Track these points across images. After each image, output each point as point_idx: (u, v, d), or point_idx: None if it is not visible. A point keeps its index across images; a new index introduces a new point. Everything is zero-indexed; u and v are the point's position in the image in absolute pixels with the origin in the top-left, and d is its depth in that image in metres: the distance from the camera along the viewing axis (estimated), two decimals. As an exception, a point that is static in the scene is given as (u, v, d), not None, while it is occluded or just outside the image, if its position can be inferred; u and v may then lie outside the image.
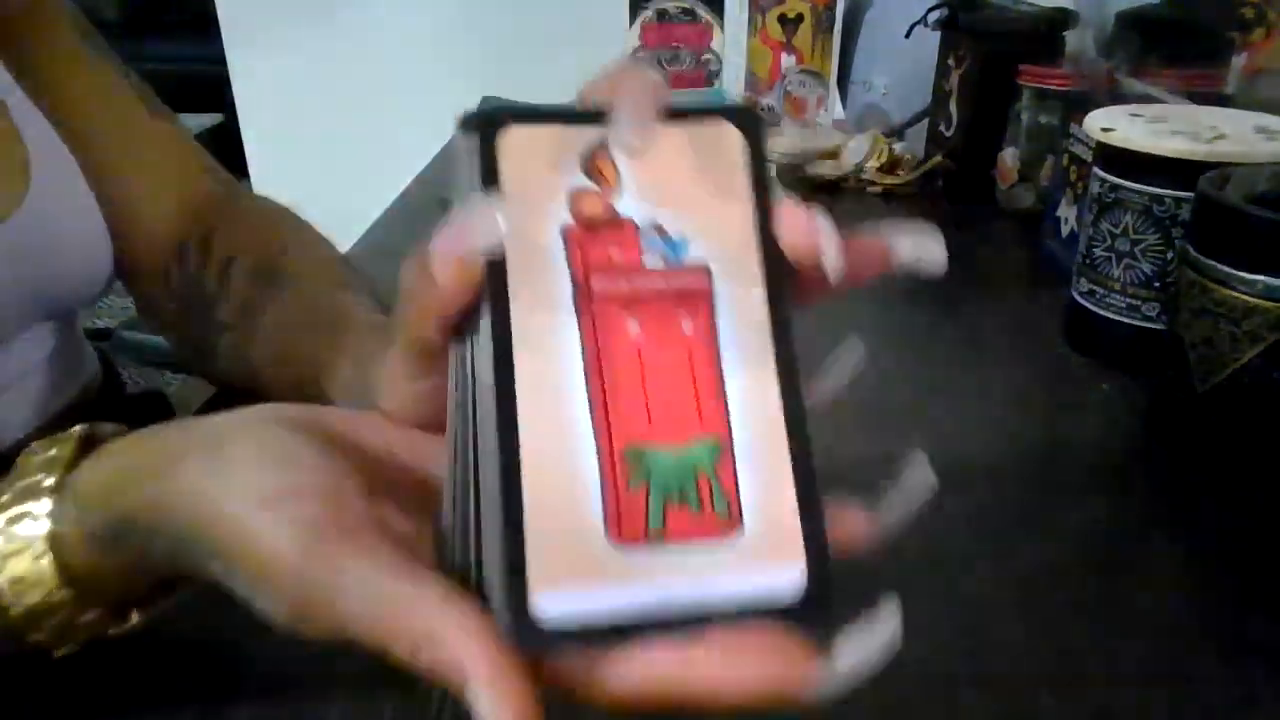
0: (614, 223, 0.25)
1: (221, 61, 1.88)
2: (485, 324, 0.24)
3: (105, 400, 0.60)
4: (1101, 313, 0.61)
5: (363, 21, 1.83)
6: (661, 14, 1.19)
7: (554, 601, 0.22)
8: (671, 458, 0.24)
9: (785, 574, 0.23)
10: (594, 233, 0.25)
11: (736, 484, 0.24)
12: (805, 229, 0.25)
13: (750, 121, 0.26)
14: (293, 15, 1.84)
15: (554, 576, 0.22)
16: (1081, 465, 0.51)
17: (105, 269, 0.54)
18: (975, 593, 0.41)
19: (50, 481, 0.29)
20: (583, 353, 0.24)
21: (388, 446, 0.28)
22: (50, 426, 0.53)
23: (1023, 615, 0.40)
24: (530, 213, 0.24)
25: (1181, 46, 0.77)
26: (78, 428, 0.30)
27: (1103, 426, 0.55)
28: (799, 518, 0.24)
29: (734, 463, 0.24)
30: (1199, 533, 0.46)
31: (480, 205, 0.23)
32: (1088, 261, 0.62)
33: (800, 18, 1.17)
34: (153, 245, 0.54)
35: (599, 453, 0.23)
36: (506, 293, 0.24)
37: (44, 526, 0.28)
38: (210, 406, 0.58)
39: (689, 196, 0.26)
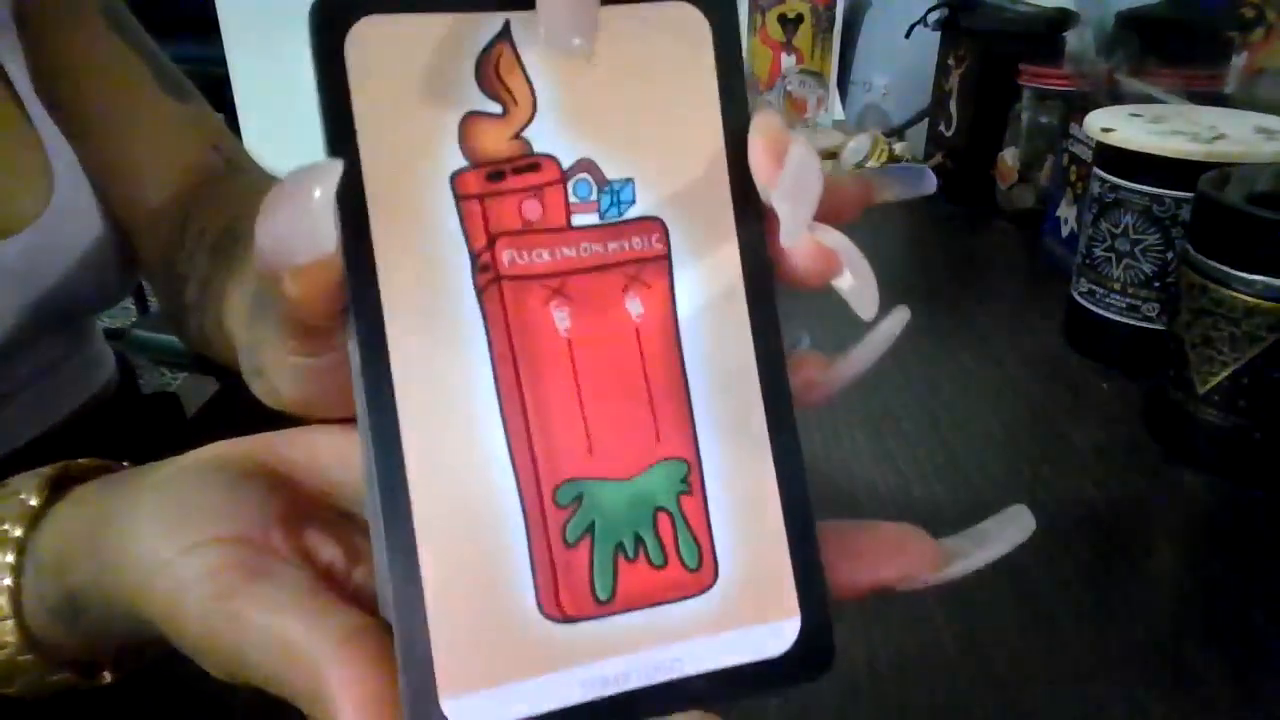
0: (527, 163, 0.17)
1: (221, 61, 1.88)
2: (350, 323, 0.17)
3: (121, 403, 0.60)
4: (1101, 313, 0.61)
5: (363, 21, 1.82)
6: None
7: (472, 708, 0.16)
8: (621, 495, 0.18)
9: (775, 634, 0.18)
10: (498, 180, 0.17)
11: (709, 522, 0.18)
12: (772, 159, 0.18)
13: (718, 1, 0.18)
14: (293, 15, 1.83)
15: (470, 674, 0.16)
16: (1081, 465, 0.51)
17: (116, 282, 0.54)
18: (973, 591, 0.41)
19: (18, 533, 0.27)
20: (490, 359, 0.17)
21: (325, 461, 0.24)
22: (64, 428, 0.53)
23: (1021, 614, 0.40)
24: (403, 154, 0.17)
25: (1181, 46, 0.77)
26: (49, 468, 0.28)
27: (1102, 427, 0.55)
28: (790, 560, 0.18)
29: (705, 493, 0.18)
30: (1198, 533, 0.46)
31: (314, 174, 0.15)
32: (1088, 261, 0.62)
33: (800, 18, 1.17)
34: (154, 229, 0.52)
35: (522, 497, 0.17)
36: (374, 277, 0.16)
37: (7, 581, 0.27)
38: (211, 406, 0.58)
39: (633, 118, 0.18)
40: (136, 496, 0.23)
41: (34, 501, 0.27)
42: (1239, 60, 0.79)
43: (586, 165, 0.18)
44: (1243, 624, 0.39)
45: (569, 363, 0.18)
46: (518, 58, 0.17)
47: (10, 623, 0.27)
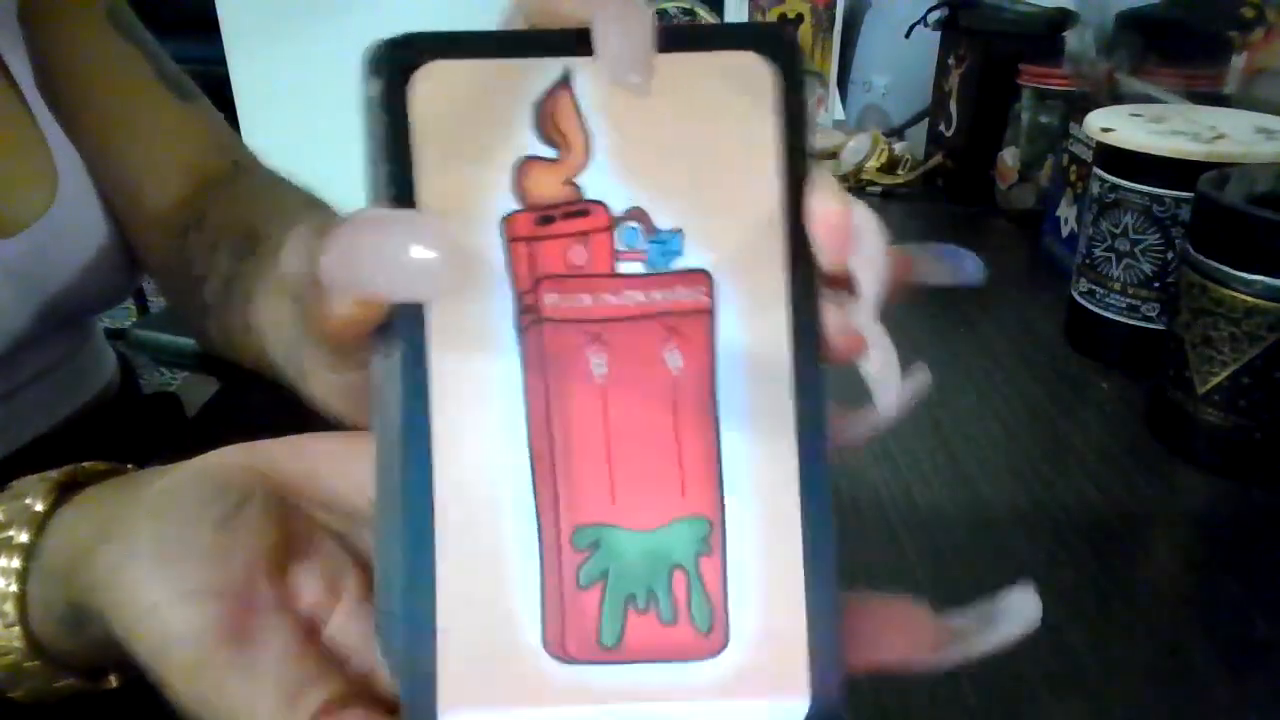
0: (577, 208, 0.18)
1: (221, 62, 1.88)
2: (395, 351, 0.18)
3: (121, 403, 0.60)
4: (1101, 313, 0.61)
5: (363, 22, 1.83)
6: (662, 14, 1.19)
7: None
8: (639, 547, 0.18)
9: (782, 712, 0.18)
10: (547, 224, 0.18)
11: (725, 586, 0.18)
12: (840, 231, 0.18)
13: (785, 53, 0.18)
14: (293, 15, 1.84)
15: (471, 693, 0.17)
16: (1081, 465, 0.51)
17: (118, 282, 0.54)
18: (974, 591, 0.41)
19: (24, 538, 0.27)
20: (525, 398, 0.18)
21: (324, 471, 0.24)
22: (66, 428, 0.53)
23: (1023, 615, 0.40)
24: (458, 194, 0.17)
25: (1181, 46, 0.77)
26: (57, 472, 0.28)
27: (1103, 426, 0.55)
28: (807, 636, 0.18)
29: (725, 556, 0.18)
30: (1199, 533, 0.46)
31: (408, 224, 0.17)
32: (1088, 261, 0.62)
33: (800, 18, 1.17)
34: (159, 229, 0.52)
35: (540, 536, 0.17)
36: (421, 310, 0.17)
37: (13, 587, 0.27)
38: (211, 406, 0.58)
39: (687, 168, 0.18)
40: (134, 520, 0.23)
41: (40, 506, 0.27)
42: (1239, 60, 0.78)
43: (637, 214, 0.18)
44: (1242, 624, 0.39)
45: (601, 408, 0.18)
46: (575, 104, 0.18)
47: (16, 629, 0.27)
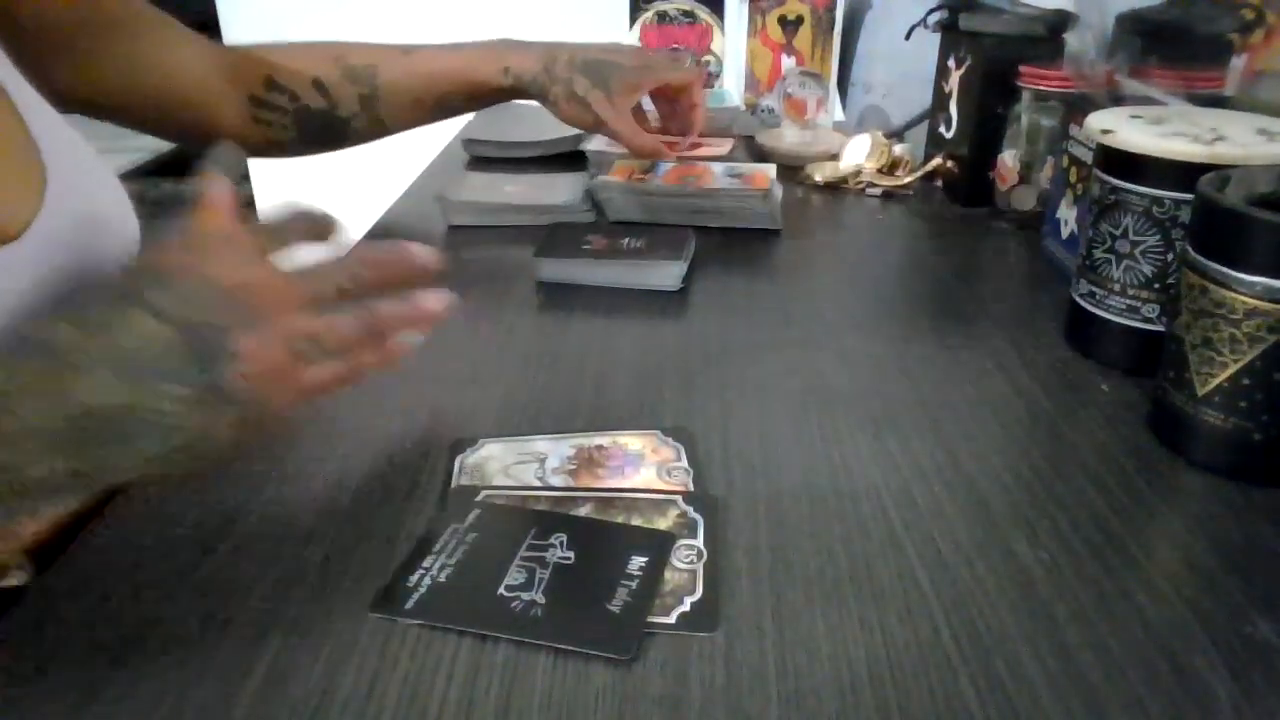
0: None
1: (222, 62, 1.88)
2: None
3: None
4: (1101, 314, 0.61)
5: (363, 23, 1.83)
6: (662, 15, 1.19)
7: None
8: None
9: None
10: None
11: None
12: None
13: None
14: (293, 16, 1.84)
15: None
16: (1081, 465, 0.51)
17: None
18: (974, 591, 0.41)
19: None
20: None
21: None
22: None
23: (1022, 614, 0.40)
24: None
25: (1181, 48, 0.77)
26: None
27: (1103, 427, 0.55)
28: None
29: None
30: (1199, 533, 0.46)
31: None
32: (1088, 263, 0.62)
33: (800, 19, 1.17)
34: (232, 112, 0.79)
35: None
36: None
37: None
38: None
39: None
40: None
41: None
42: (1239, 62, 0.79)
43: None
44: (1242, 625, 0.39)
45: None
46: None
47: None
